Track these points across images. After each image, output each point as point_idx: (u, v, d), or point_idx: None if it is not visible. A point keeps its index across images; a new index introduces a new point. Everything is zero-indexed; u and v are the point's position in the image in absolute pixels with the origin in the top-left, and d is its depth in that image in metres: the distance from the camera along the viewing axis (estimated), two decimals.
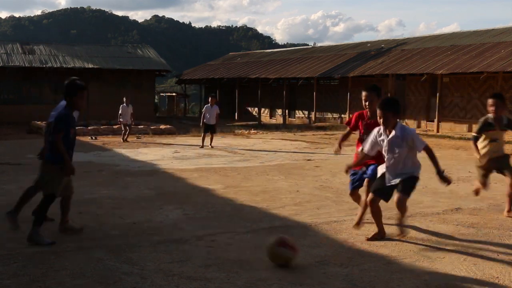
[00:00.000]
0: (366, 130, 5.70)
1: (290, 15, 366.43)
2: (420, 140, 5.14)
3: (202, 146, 15.12)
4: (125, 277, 4.33)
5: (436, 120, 22.19)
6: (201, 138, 15.45)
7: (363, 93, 5.77)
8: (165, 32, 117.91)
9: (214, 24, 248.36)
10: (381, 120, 5.08)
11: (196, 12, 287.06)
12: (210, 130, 15.29)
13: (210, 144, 15.18)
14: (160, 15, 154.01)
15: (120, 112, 17.55)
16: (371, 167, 5.60)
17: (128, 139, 17.43)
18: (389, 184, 5.22)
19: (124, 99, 17.77)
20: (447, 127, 22.34)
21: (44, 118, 25.16)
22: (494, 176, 10.03)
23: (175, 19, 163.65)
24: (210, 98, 15.68)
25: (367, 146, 5.34)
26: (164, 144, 16.31)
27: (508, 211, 6.54)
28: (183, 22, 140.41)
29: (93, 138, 18.35)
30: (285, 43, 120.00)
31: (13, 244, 5.25)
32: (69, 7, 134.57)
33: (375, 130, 5.28)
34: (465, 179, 9.61)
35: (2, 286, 4.14)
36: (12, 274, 4.39)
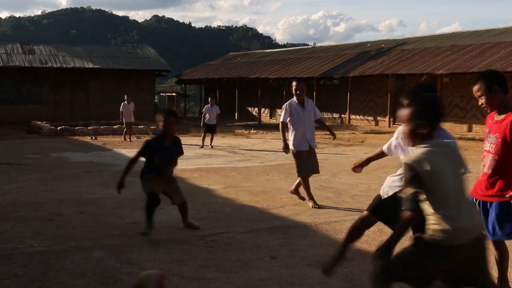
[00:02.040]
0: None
1: (291, 15, 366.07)
2: None
3: (202, 146, 15.15)
4: (125, 277, 4.34)
5: None
6: (201, 138, 15.48)
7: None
8: (165, 32, 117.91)
9: (215, 24, 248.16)
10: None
11: (197, 12, 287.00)
12: (211, 130, 15.33)
13: (210, 144, 15.22)
14: (160, 15, 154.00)
15: (121, 110, 17.78)
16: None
17: (131, 139, 17.59)
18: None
19: (125, 97, 17.92)
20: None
21: (44, 118, 25.30)
22: None
23: (175, 19, 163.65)
24: (210, 99, 15.72)
25: None
26: None
27: None
28: (183, 22, 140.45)
29: (93, 138, 18.33)
30: (285, 43, 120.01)
31: (13, 244, 5.26)
32: (69, 7, 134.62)
33: None
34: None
35: (2, 286, 4.14)
36: (12, 274, 4.39)
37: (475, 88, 3.95)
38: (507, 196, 3.80)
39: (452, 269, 2.99)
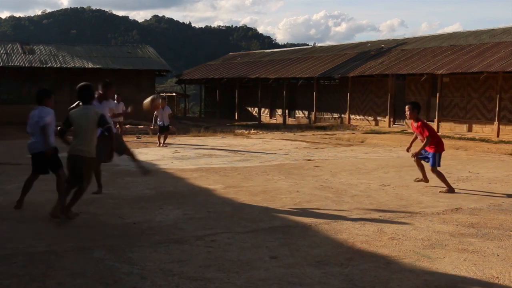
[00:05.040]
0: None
1: (293, 15, 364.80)
2: None
3: (159, 144, 15.69)
4: (125, 277, 4.34)
5: (436, 120, 22.18)
6: (157, 138, 16.15)
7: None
8: (165, 32, 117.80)
9: (216, 24, 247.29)
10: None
11: (198, 12, 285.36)
12: (164, 130, 16.06)
13: (163, 143, 15.76)
14: (161, 15, 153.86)
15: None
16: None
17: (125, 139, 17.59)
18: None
19: (115, 97, 17.80)
20: (447, 127, 22.33)
21: None
22: (494, 176, 10.05)
23: (175, 19, 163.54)
24: (160, 101, 16.59)
25: None
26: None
27: None
28: (183, 22, 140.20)
29: None
30: (285, 43, 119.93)
31: (13, 244, 5.26)
32: (69, 7, 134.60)
33: None
34: (465, 179, 9.60)
35: (2, 286, 4.14)
36: (12, 274, 4.39)
37: None
38: None
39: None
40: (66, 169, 6.51)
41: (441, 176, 8.32)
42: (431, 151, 8.38)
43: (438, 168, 8.35)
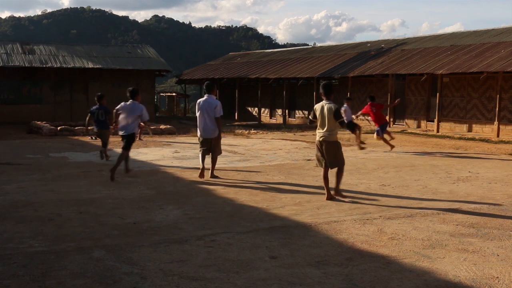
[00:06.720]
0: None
1: (294, 15, 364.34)
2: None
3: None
4: (125, 277, 4.34)
5: (436, 120, 22.17)
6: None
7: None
8: (165, 32, 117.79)
9: (216, 24, 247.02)
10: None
11: (198, 12, 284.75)
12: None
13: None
14: (161, 15, 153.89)
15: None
16: None
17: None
18: None
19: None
20: (447, 127, 22.33)
21: (44, 118, 25.25)
22: (494, 176, 10.05)
23: (175, 19, 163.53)
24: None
25: None
26: (164, 144, 16.31)
27: None
28: (183, 22, 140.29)
29: (93, 138, 18.33)
30: (285, 43, 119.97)
31: (13, 244, 5.26)
32: (69, 7, 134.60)
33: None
34: (465, 179, 9.60)
35: (2, 286, 4.14)
36: (12, 274, 4.39)
37: None
38: None
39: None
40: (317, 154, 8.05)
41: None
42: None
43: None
